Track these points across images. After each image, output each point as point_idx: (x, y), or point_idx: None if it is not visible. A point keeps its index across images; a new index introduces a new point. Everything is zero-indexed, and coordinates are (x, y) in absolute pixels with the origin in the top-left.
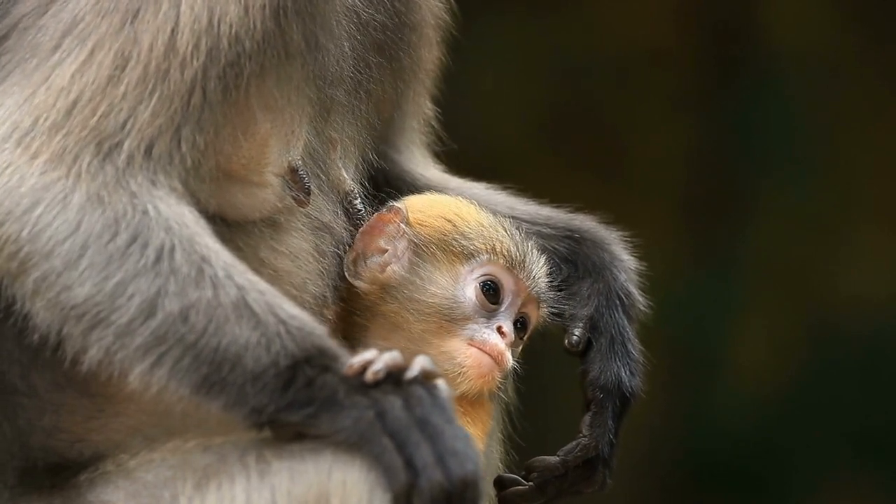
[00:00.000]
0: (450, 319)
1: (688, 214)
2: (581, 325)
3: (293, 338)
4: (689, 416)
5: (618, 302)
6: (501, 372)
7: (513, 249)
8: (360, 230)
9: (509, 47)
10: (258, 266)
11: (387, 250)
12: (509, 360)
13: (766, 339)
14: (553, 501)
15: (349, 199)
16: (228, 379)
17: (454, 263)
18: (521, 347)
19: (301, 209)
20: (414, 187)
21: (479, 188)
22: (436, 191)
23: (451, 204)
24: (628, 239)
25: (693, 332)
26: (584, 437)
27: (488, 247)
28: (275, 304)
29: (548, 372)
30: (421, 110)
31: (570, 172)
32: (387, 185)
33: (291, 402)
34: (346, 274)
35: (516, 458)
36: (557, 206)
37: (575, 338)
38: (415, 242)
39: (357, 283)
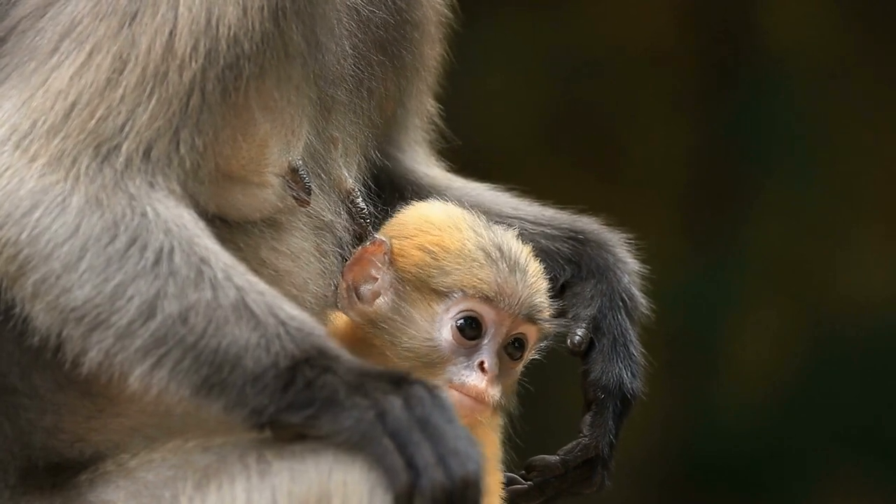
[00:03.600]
0: (429, 362)
1: (688, 214)
2: (583, 325)
3: (293, 338)
4: (690, 416)
5: (620, 303)
6: (485, 409)
7: (490, 279)
8: (347, 263)
9: (509, 47)
10: (259, 266)
11: (377, 279)
12: (493, 395)
13: (767, 340)
14: (552, 501)
15: (351, 197)
16: (228, 380)
17: (430, 303)
18: (521, 365)
19: (302, 209)
20: (417, 186)
21: (482, 189)
22: (439, 191)
23: (438, 228)
24: (631, 241)
25: (693, 333)
26: (585, 437)
27: (462, 282)
28: (274, 304)
29: (548, 372)
30: (424, 108)
31: (570, 172)
32: (390, 183)
33: (292, 402)
34: (338, 305)
35: (516, 459)
36: (557, 206)
37: (577, 338)
38: (396, 279)
39: (348, 313)
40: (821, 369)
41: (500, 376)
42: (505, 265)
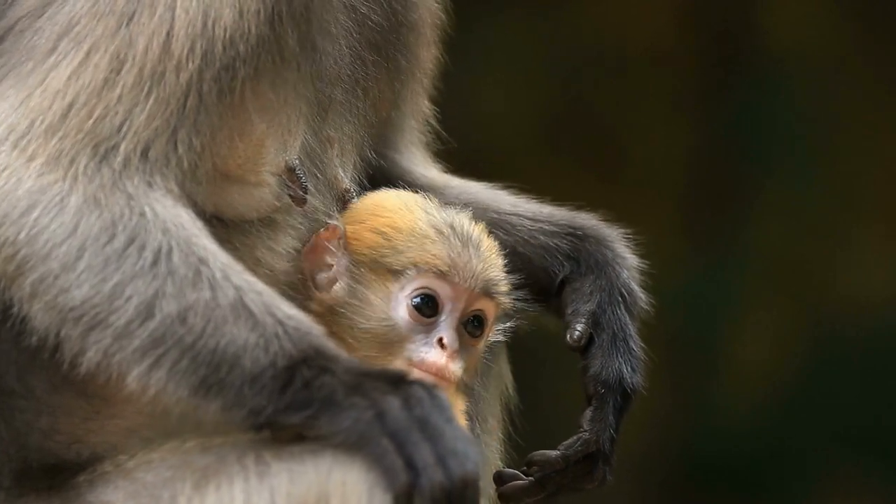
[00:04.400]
0: (387, 342)
1: (687, 214)
2: (583, 320)
3: (291, 338)
4: (689, 415)
5: (620, 298)
6: (447, 385)
7: (443, 254)
8: (303, 251)
9: (509, 47)
10: (255, 265)
11: (332, 265)
12: (454, 371)
13: (767, 339)
14: (553, 496)
15: (347, 197)
16: (227, 380)
17: (385, 282)
18: (482, 343)
19: (298, 208)
20: (415, 187)
21: (480, 188)
22: (436, 191)
23: (390, 210)
24: (630, 237)
25: (693, 332)
26: (585, 431)
27: (415, 259)
28: (272, 304)
29: (548, 368)
30: (419, 110)
31: (570, 172)
32: (387, 184)
33: (290, 403)
34: (298, 295)
35: (516, 457)
36: (558, 205)
37: (577, 333)
38: (351, 263)
39: (309, 304)
40: (821, 369)
41: (461, 353)
42: (457, 240)
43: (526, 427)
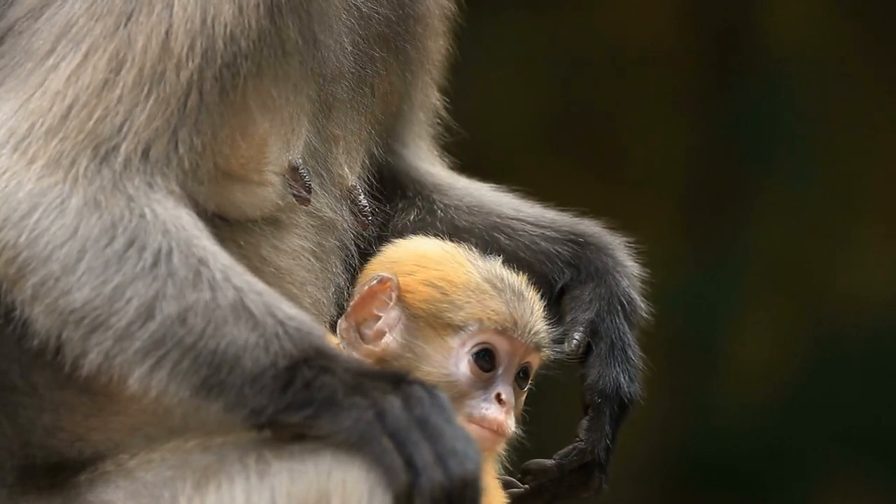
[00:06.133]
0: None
1: (687, 214)
2: (581, 329)
3: (291, 338)
4: (689, 416)
5: (619, 307)
6: (503, 440)
7: (503, 310)
8: (353, 301)
9: (508, 47)
10: (259, 264)
11: (380, 317)
12: (510, 427)
13: (767, 340)
14: None
15: (353, 195)
16: (227, 381)
17: (444, 337)
18: (525, 394)
19: (303, 207)
20: (420, 185)
21: (485, 189)
22: (441, 191)
23: (437, 262)
24: (631, 243)
25: (693, 333)
26: (581, 441)
27: (477, 315)
28: (273, 304)
29: (546, 376)
30: (429, 101)
31: (570, 172)
32: (392, 180)
33: (290, 403)
34: (341, 343)
35: (516, 459)
36: (557, 206)
37: (575, 342)
38: (405, 315)
39: (353, 353)
40: (821, 369)
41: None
42: (513, 295)
43: (524, 433)
